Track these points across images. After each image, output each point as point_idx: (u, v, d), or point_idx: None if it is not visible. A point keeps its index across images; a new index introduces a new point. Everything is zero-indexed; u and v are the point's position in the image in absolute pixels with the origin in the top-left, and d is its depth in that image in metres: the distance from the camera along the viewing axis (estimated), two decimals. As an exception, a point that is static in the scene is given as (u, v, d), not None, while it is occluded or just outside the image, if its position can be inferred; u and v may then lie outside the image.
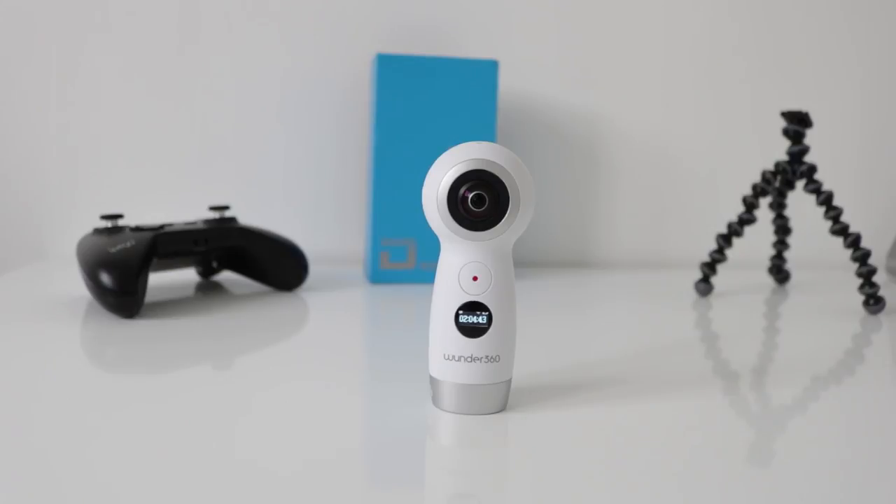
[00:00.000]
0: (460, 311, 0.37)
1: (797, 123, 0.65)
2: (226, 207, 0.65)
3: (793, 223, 0.74)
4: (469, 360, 0.37)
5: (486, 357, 0.37)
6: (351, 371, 0.48)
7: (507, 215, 0.36)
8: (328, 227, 0.82)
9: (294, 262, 0.66)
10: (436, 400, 0.38)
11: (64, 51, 0.78)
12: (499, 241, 0.37)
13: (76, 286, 0.62)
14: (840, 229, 0.63)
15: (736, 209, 0.70)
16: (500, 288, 0.37)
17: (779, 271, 0.76)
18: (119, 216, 0.60)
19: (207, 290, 0.66)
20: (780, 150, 0.68)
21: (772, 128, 0.71)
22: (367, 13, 0.81)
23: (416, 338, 0.46)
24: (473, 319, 0.37)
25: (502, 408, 0.38)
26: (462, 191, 0.36)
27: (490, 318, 0.37)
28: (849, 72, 0.88)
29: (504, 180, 0.36)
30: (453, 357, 0.37)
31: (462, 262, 0.37)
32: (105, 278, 0.54)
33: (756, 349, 0.55)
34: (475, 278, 0.37)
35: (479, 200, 0.36)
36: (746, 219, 0.68)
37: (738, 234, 0.68)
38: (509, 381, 0.38)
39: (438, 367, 0.38)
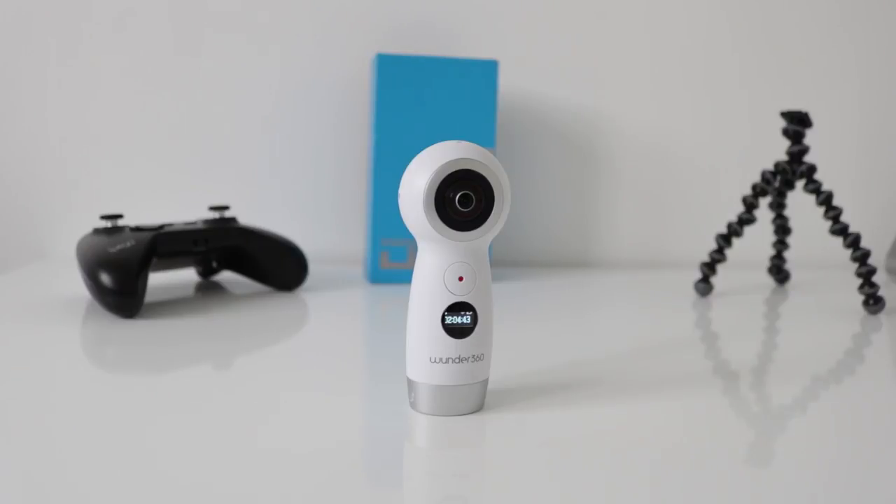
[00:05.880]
0: (446, 313, 0.37)
1: (797, 123, 0.65)
2: (226, 207, 0.65)
3: (793, 223, 0.74)
4: (457, 360, 0.37)
5: (473, 356, 0.37)
6: (350, 371, 0.48)
7: (493, 212, 0.36)
8: (328, 227, 0.82)
9: (294, 262, 0.66)
10: (422, 404, 0.38)
11: (63, 50, 0.78)
12: (483, 240, 0.37)
13: (76, 286, 0.62)
14: (840, 229, 0.63)
15: (736, 209, 0.70)
16: (482, 287, 0.37)
17: (779, 271, 0.76)
18: (119, 216, 0.60)
19: (207, 290, 0.66)
20: (779, 150, 0.68)
21: (771, 128, 0.71)
22: (367, 12, 0.81)
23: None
24: (459, 320, 0.37)
25: (482, 405, 0.38)
26: (448, 191, 0.36)
27: (475, 317, 0.37)
28: (849, 71, 0.88)
29: (488, 178, 0.36)
30: (440, 359, 0.37)
31: (447, 263, 0.36)
32: (105, 278, 0.54)
33: (756, 349, 0.55)
34: (461, 279, 0.37)
35: (467, 200, 0.36)
36: (746, 219, 0.68)
37: (738, 234, 0.68)
38: (488, 378, 0.39)
39: (426, 370, 0.37)
